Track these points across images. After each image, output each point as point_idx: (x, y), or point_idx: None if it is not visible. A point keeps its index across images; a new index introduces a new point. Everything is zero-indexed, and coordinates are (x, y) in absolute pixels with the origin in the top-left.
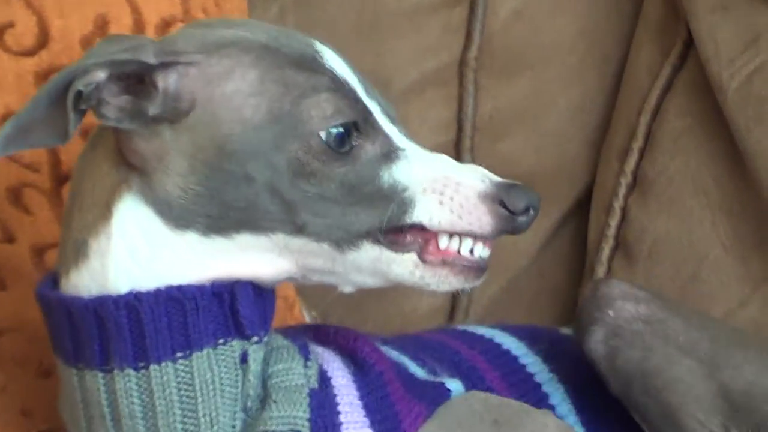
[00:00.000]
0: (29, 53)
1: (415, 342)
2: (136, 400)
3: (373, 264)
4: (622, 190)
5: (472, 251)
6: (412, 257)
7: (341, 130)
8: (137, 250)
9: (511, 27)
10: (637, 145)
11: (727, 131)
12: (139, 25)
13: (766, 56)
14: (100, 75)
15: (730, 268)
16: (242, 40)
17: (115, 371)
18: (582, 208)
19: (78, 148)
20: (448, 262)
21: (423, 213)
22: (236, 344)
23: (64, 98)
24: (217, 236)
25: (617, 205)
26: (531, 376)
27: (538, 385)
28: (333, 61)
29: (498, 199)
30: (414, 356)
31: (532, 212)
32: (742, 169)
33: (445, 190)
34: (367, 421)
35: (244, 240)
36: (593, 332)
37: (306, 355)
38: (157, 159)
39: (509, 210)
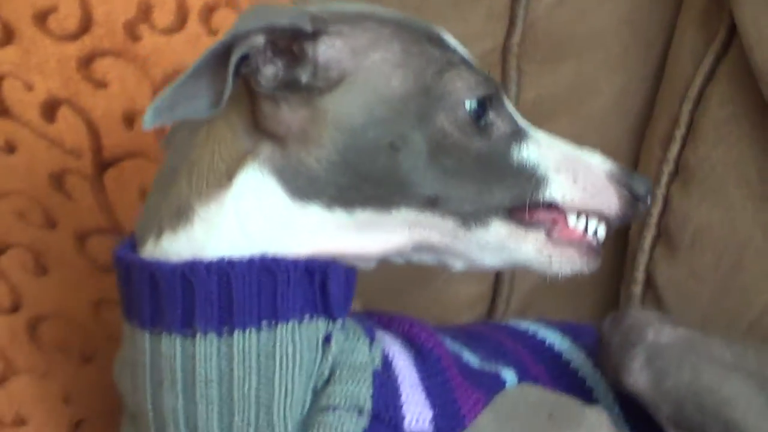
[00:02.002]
0: (72, 38)
1: (460, 332)
2: (214, 366)
3: (500, 242)
4: (664, 178)
5: (595, 232)
6: (540, 236)
7: (479, 105)
8: (248, 220)
9: (554, 14)
10: (679, 132)
11: None
12: (182, 10)
13: None
14: (260, 40)
15: None
16: (377, 14)
17: (198, 335)
18: None
19: (120, 134)
20: (574, 243)
21: (557, 191)
22: (321, 324)
23: (217, 66)
24: (340, 210)
25: (659, 192)
26: (575, 371)
27: (583, 380)
28: (452, 40)
29: (624, 182)
30: (466, 344)
31: (650, 200)
32: None
33: (578, 169)
34: (427, 403)
35: (365, 216)
36: (633, 359)
37: (372, 336)
38: (300, 128)
39: (633, 195)
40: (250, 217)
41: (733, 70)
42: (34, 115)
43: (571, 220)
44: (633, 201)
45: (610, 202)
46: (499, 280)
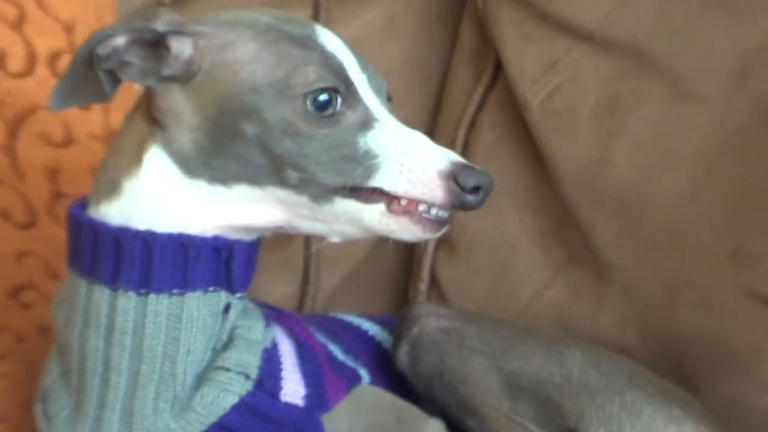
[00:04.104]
0: None
1: (320, 325)
2: (130, 319)
3: (347, 214)
4: None
5: (429, 212)
6: (380, 207)
7: (325, 96)
8: (160, 195)
9: None
10: (456, 153)
11: (532, 141)
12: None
13: (563, 77)
14: (119, 40)
15: (536, 256)
16: (249, 18)
17: (120, 291)
18: None
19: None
20: (409, 212)
21: (384, 179)
22: (223, 295)
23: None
24: (220, 185)
25: None
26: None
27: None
28: (326, 39)
29: (453, 176)
30: (330, 337)
31: (482, 193)
32: (544, 172)
33: (406, 162)
34: (302, 383)
35: (242, 191)
36: (401, 346)
37: (267, 321)
38: (174, 115)
39: (460, 187)
40: (161, 192)
41: (499, 100)
42: None
43: (403, 201)
44: (461, 193)
45: (434, 194)
46: (306, 280)
